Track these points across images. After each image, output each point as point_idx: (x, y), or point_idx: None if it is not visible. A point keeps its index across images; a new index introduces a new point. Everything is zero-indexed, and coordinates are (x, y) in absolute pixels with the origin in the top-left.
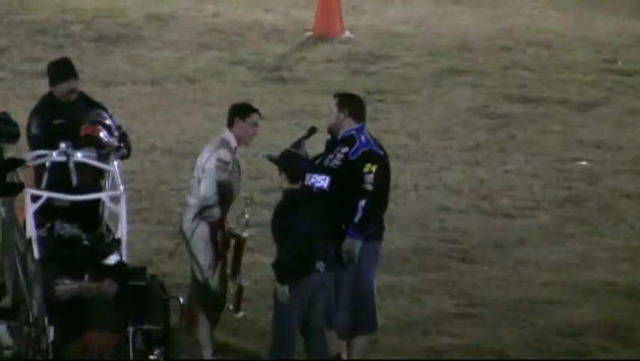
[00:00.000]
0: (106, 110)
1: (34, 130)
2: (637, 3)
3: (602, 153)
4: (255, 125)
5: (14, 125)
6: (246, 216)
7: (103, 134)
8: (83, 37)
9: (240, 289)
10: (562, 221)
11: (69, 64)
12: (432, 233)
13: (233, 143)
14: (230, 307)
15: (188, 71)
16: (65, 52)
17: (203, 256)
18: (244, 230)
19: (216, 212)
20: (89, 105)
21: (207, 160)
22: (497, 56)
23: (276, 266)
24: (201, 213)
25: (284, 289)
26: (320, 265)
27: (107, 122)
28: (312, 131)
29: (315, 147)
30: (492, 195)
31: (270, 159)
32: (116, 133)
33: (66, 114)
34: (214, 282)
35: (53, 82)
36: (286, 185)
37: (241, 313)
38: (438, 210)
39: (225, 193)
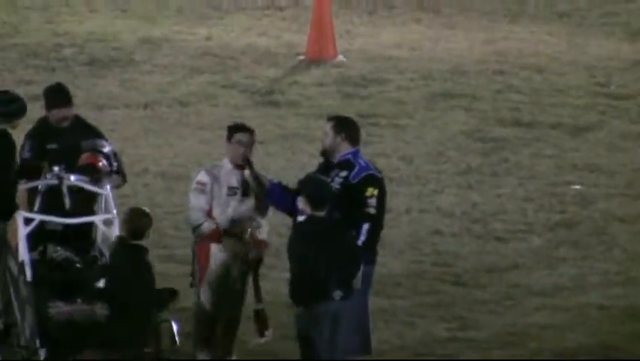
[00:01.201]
0: (103, 136)
1: (26, 154)
2: (630, 27)
3: (595, 177)
4: (239, 142)
5: (17, 100)
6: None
7: (102, 163)
8: (76, 61)
9: (258, 312)
10: (554, 245)
11: (63, 90)
12: (424, 257)
13: (228, 165)
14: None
15: (180, 95)
16: (58, 75)
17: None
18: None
19: (207, 226)
20: (85, 131)
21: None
22: (490, 79)
23: (293, 291)
24: (194, 234)
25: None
26: (337, 294)
27: (106, 149)
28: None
29: (306, 170)
30: (485, 219)
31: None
32: (114, 163)
33: (60, 139)
34: (204, 294)
35: (47, 107)
36: (309, 211)
37: (264, 339)
38: (430, 234)
39: (215, 212)
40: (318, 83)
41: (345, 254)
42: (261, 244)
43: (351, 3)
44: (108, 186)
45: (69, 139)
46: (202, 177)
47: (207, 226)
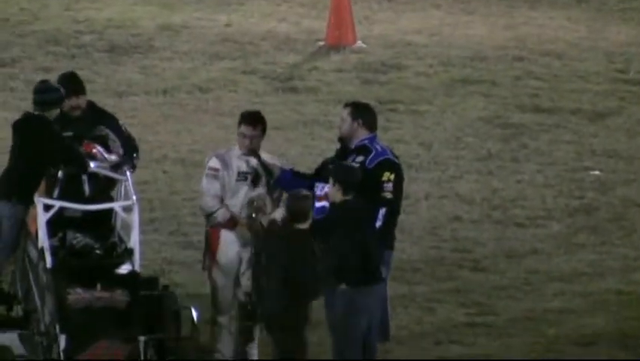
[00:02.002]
0: (116, 121)
1: None
2: None
3: (614, 162)
4: (242, 135)
5: (56, 90)
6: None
7: (97, 150)
8: (95, 48)
9: None
10: (573, 231)
11: (75, 79)
12: (443, 243)
13: (237, 150)
14: None
15: (200, 81)
16: (77, 62)
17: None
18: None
19: (221, 214)
20: (97, 118)
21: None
22: (509, 65)
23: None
24: (207, 221)
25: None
26: (384, 271)
27: (110, 137)
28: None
29: (325, 155)
30: (504, 205)
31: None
32: (118, 150)
33: (74, 127)
34: (213, 279)
35: None
36: (340, 196)
37: None
38: (450, 220)
39: (225, 200)
40: (338, 69)
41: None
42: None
43: None
44: (128, 173)
45: (83, 127)
46: (213, 162)
47: (222, 214)
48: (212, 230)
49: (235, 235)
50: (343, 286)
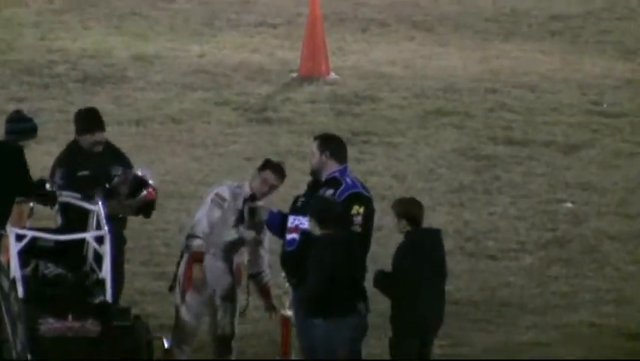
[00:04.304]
0: (129, 161)
1: (58, 181)
2: (623, 45)
3: (588, 195)
4: (265, 182)
5: (29, 120)
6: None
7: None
8: (69, 78)
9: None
10: (546, 263)
11: (96, 115)
12: None
13: (246, 190)
14: None
15: (173, 112)
16: (51, 92)
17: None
18: (288, 308)
19: (197, 244)
20: (113, 156)
21: (209, 194)
22: (483, 97)
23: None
24: (186, 241)
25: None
26: (361, 307)
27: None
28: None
29: (298, 187)
30: (477, 237)
31: (252, 208)
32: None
33: (91, 166)
34: (183, 312)
35: (78, 132)
36: (317, 231)
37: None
38: None
39: (216, 230)
40: (311, 100)
41: (363, 268)
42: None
43: (344, 20)
44: (100, 203)
45: (100, 165)
46: (224, 192)
47: (198, 245)
48: (192, 258)
49: (211, 266)
50: (319, 320)
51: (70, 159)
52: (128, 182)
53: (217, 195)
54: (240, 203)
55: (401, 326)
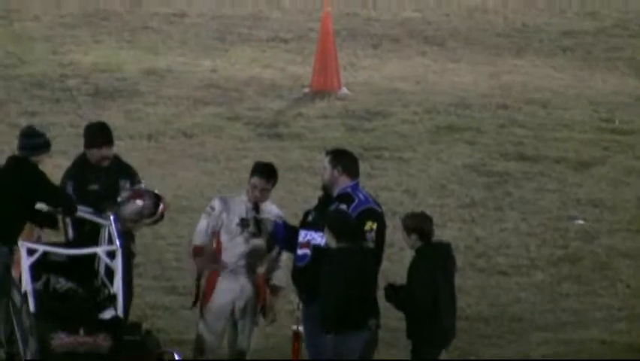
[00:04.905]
0: (138, 179)
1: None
2: (634, 62)
3: (599, 212)
4: (253, 186)
5: (42, 135)
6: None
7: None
8: (80, 92)
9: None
10: (557, 280)
11: (104, 129)
12: None
13: (244, 196)
14: None
15: (184, 126)
16: (62, 106)
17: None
18: (299, 324)
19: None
20: (121, 171)
21: None
22: (494, 113)
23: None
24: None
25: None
26: (372, 323)
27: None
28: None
29: (309, 202)
30: (488, 253)
31: (257, 220)
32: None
33: (101, 180)
34: (201, 328)
35: (87, 145)
36: (334, 244)
37: None
38: None
39: (224, 245)
40: (323, 116)
41: (375, 283)
42: (273, 290)
43: (355, 36)
44: (112, 217)
45: (109, 180)
46: (214, 202)
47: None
48: (208, 276)
49: (230, 282)
50: (331, 335)
51: (79, 173)
52: (151, 200)
53: (209, 206)
54: (235, 208)
55: (425, 338)
